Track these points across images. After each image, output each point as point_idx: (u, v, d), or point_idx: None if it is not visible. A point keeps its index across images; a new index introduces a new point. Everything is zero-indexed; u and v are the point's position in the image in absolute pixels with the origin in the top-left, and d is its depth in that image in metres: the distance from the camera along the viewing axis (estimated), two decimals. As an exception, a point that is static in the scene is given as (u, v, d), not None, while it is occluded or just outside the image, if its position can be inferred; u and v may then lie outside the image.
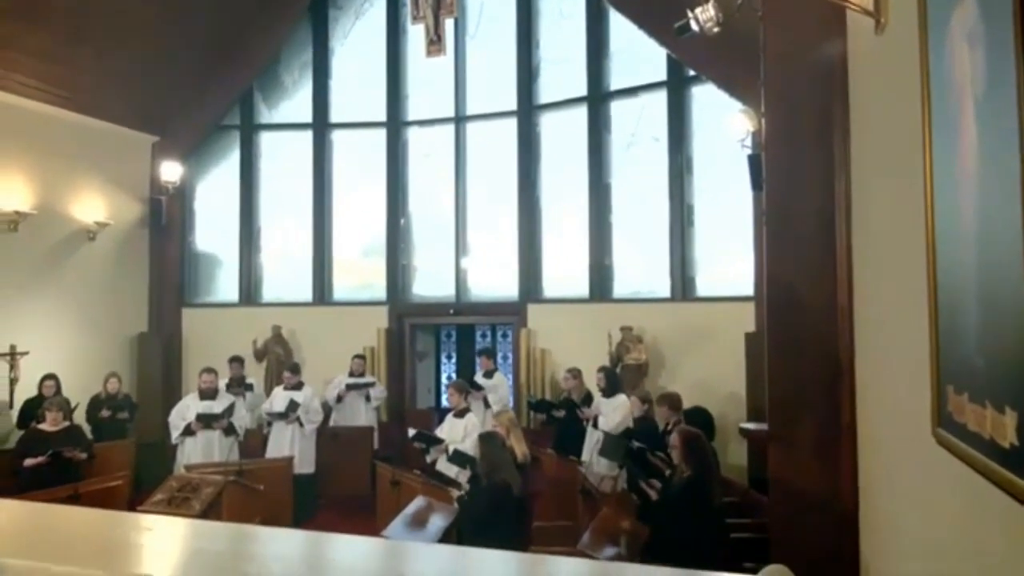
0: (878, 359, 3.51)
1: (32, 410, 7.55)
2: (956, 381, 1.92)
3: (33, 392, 7.97)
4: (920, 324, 2.23)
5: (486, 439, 5.50)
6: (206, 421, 7.51)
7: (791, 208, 4.40)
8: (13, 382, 8.21)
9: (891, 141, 3.03)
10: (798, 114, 4.37)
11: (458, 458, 6.29)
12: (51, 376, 7.96)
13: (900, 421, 2.94)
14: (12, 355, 8.23)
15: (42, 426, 6.70)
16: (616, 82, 9.55)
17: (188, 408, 7.68)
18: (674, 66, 8.88)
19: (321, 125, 10.81)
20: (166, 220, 10.36)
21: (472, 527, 5.15)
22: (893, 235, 3.03)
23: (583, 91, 9.64)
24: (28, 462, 6.36)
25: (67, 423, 6.79)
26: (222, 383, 8.22)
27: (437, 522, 5.46)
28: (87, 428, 7.78)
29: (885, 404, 3.35)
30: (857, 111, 3.90)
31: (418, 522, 5.52)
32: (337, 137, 10.92)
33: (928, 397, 2.17)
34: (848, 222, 4.07)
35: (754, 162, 6.64)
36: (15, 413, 8.03)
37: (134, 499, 6.54)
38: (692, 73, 8.73)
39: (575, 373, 7.89)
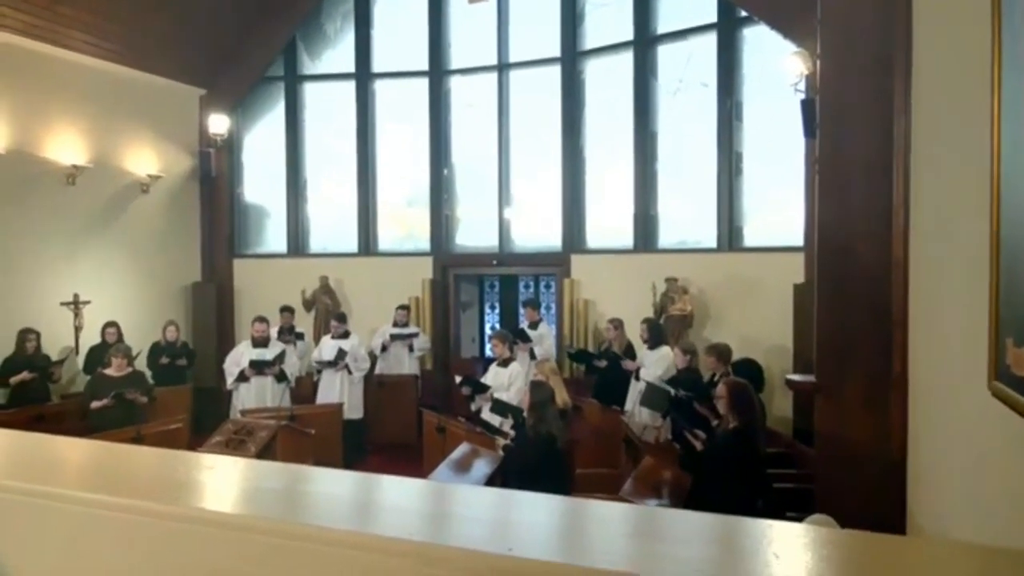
0: (933, 310, 3.41)
1: (97, 356, 7.93)
2: (1016, 333, 1.86)
3: (96, 339, 8.35)
4: (980, 275, 2.16)
5: (536, 388, 5.49)
6: (258, 368, 7.77)
7: (846, 154, 4.25)
8: (78, 329, 8.60)
9: (956, 81, 2.88)
10: (856, 53, 4.18)
11: (499, 407, 6.38)
12: (112, 323, 8.35)
13: (954, 374, 2.87)
14: (76, 303, 8.61)
15: (107, 371, 7.03)
16: (664, 25, 9.22)
17: (242, 355, 7.97)
18: (724, 7, 8.53)
19: (364, 75, 10.76)
20: (215, 172, 10.55)
21: (517, 475, 5.25)
22: (954, 182, 2.91)
23: (629, 35, 9.34)
24: (94, 404, 6.72)
25: (130, 369, 7.12)
26: (273, 331, 8.48)
27: (482, 468, 5.60)
28: (148, 374, 8.13)
29: (939, 356, 3.27)
30: (920, 50, 3.71)
31: (463, 467, 5.67)
32: (380, 87, 10.87)
33: (985, 350, 2.11)
34: (906, 169, 3.91)
35: (807, 107, 6.41)
36: (81, 359, 8.44)
37: (192, 441, 6.87)
38: (743, 14, 8.37)
39: (616, 324, 7.88)
